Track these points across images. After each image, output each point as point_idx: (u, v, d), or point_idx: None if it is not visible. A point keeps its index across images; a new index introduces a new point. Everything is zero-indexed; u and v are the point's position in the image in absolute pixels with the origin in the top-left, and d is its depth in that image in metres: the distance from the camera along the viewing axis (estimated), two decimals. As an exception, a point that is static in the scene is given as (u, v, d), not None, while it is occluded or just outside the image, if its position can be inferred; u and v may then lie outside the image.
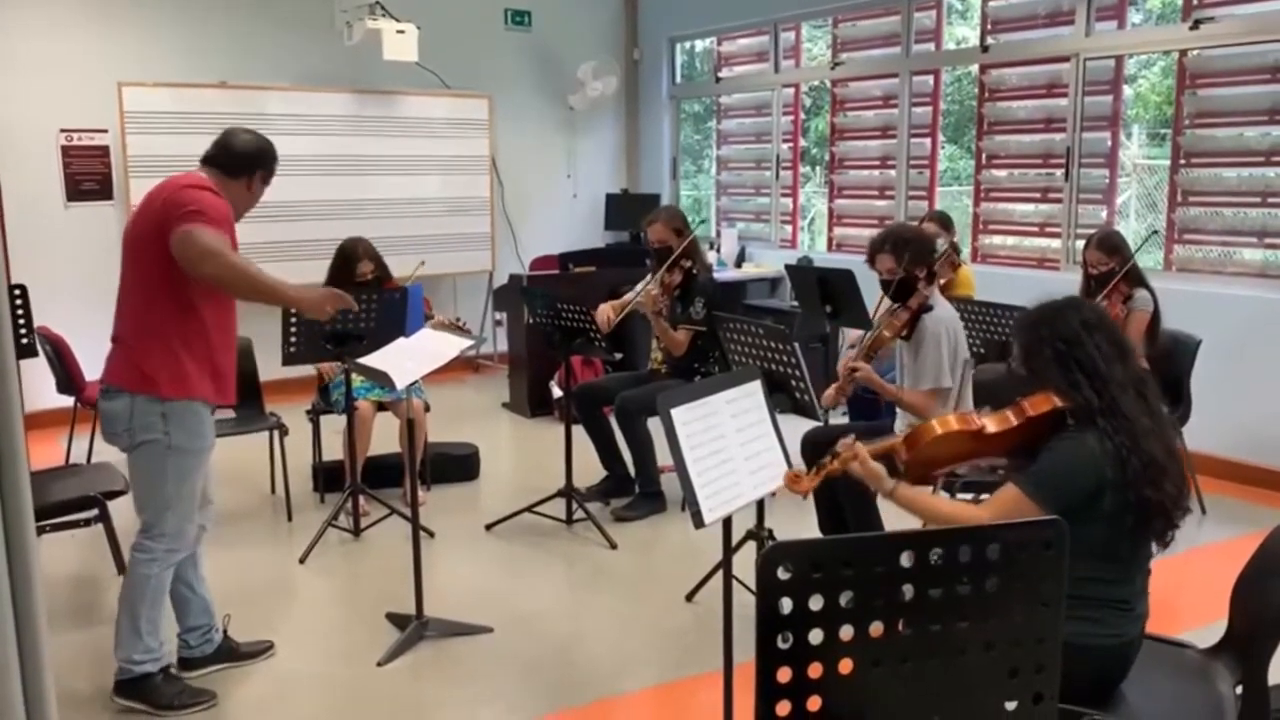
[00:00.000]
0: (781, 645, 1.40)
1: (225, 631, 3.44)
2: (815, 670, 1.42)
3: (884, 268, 3.80)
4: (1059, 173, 6.12)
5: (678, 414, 2.55)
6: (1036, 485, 2.18)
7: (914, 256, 3.75)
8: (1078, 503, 2.13)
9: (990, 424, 2.31)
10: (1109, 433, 2.18)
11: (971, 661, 1.50)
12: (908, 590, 1.44)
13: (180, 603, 3.29)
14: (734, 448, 2.68)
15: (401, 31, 6.93)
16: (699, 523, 2.45)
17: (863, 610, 1.44)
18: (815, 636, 1.41)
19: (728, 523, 2.70)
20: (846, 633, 1.43)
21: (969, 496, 3.56)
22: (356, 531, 4.60)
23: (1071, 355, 2.25)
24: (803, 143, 8.23)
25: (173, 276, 2.93)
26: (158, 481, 3.02)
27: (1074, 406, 2.24)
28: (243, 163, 3.15)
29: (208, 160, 3.15)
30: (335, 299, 3.32)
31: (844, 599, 1.42)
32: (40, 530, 3.71)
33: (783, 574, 1.39)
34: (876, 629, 1.45)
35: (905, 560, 1.43)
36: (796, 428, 3.69)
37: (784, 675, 1.41)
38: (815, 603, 1.41)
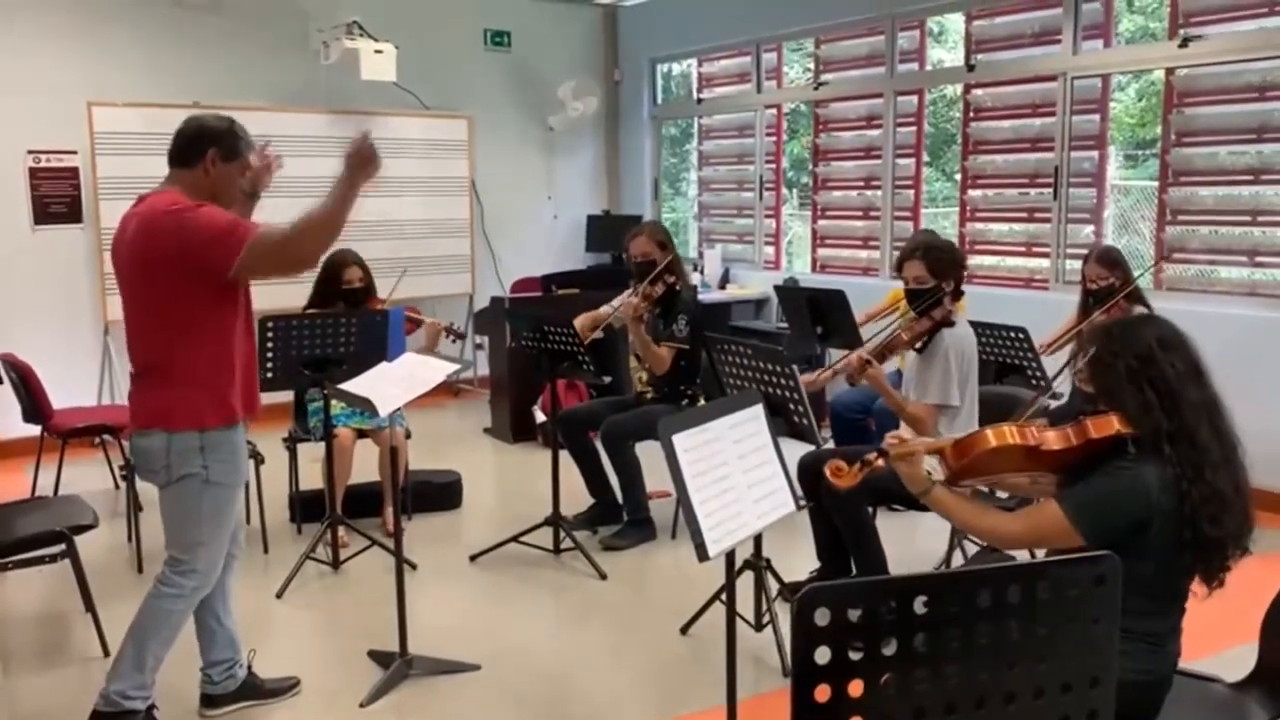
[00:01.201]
0: (819, 698, 1.27)
1: (250, 667, 3.29)
2: (855, 724, 1.30)
3: (912, 275, 3.73)
4: (1047, 192, 6.08)
5: (679, 440, 2.43)
6: (1079, 510, 2.07)
7: (944, 268, 3.68)
8: (1120, 534, 2.01)
9: (1050, 440, 2.18)
10: (1174, 460, 2.05)
11: (1022, 709, 1.38)
12: (954, 634, 1.32)
13: (206, 635, 3.17)
14: (737, 475, 2.57)
15: (380, 51, 6.83)
16: (703, 556, 2.33)
17: (906, 656, 1.32)
18: (855, 688, 1.29)
19: (728, 553, 2.58)
20: (889, 683, 1.31)
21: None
22: (336, 564, 4.44)
23: (1145, 374, 2.12)
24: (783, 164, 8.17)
25: (192, 307, 2.85)
26: (193, 517, 2.93)
27: (1142, 430, 2.10)
28: (190, 145, 2.94)
29: (170, 158, 2.99)
30: (362, 152, 2.99)
31: (887, 647, 1.30)
32: (3, 567, 3.54)
33: (820, 619, 1.26)
34: (920, 676, 1.33)
35: (953, 602, 1.31)
36: (791, 453, 3.58)
37: (822, 731, 1.29)
38: (855, 650, 1.29)
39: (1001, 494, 3.87)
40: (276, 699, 3.30)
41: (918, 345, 3.76)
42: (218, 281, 2.82)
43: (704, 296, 6.60)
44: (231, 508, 3.02)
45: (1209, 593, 2.16)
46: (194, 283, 2.82)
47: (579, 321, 4.57)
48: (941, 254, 3.77)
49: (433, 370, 3.33)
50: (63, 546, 3.58)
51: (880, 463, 2.27)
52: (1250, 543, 2.13)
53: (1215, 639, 3.04)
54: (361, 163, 2.97)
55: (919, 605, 1.32)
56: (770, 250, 8.08)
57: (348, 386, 3.35)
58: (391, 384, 3.29)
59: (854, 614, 1.29)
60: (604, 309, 4.95)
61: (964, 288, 6.06)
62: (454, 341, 5.13)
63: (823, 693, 1.28)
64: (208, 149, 2.94)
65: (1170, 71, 5.50)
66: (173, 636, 2.99)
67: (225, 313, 2.93)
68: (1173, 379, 2.11)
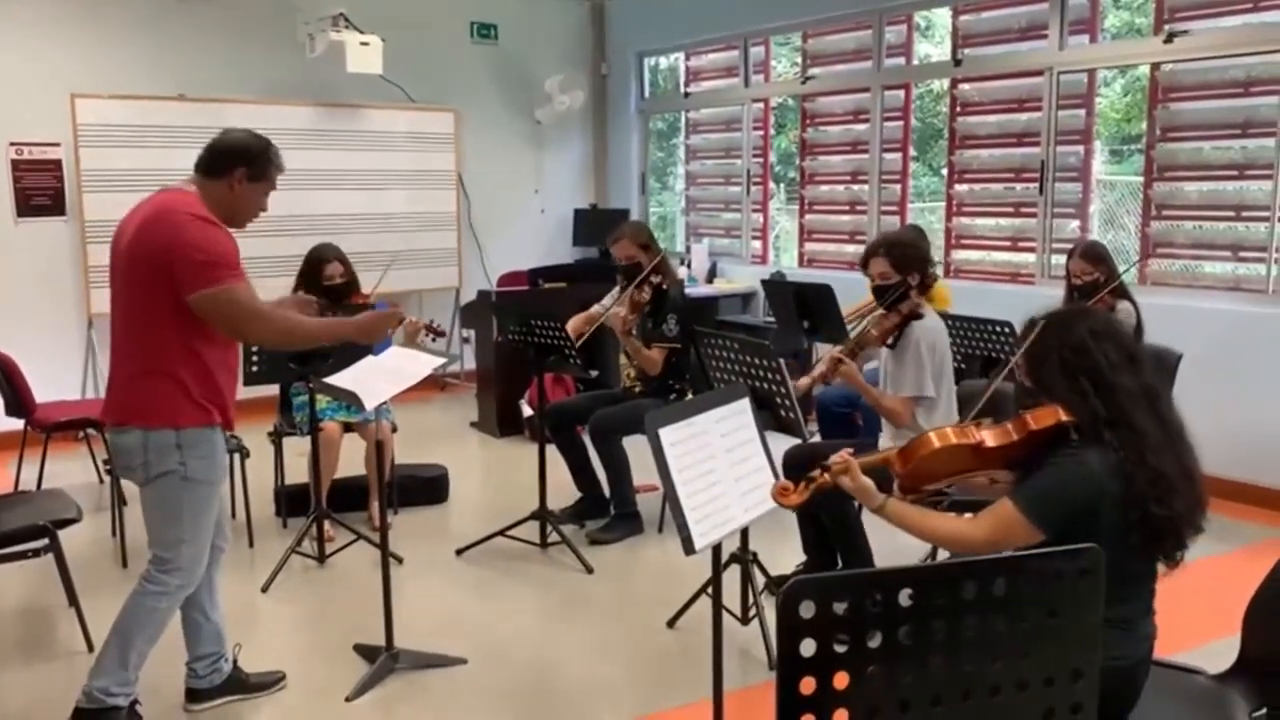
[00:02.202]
0: (804, 690, 1.28)
1: (235, 661, 3.28)
2: (840, 718, 1.30)
3: (877, 272, 3.75)
4: (1033, 187, 6.10)
5: (666, 434, 2.43)
6: (1029, 503, 2.10)
7: (908, 262, 3.70)
8: (1074, 522, 2.04)
9: (989, 437, 2.21)
10: (1115, 445, 2.09)
11: (1006, 702, 1.38)
12: (940, 627, 1.33)
13: (192, 629, 3.16)
14: (723, 469, 2.57)
15: (366, 44, 6.80)
16: (690, 549, 2.33)
17: (891, 649, 1.32)
18: (840, 680, 1.29)
19: (715, 546, 2.58)
20: (874, 675, 1.31)
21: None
22: (321, 558, 4.42)
23: (1079, 364, 2.16)
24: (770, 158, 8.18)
25: (177, 311, 2.82)
26: (173, 514, 2.91)
27: (1080, 418, 2.14)
28: (221, 160, 2.95)
29: (196, 164, 3.00)
30: (387, 317, 3.24)
31: (872, 640, 1.31)
32: (-13, 561, 3.52)
33: (805, 612, 1.27)
34: (905, 669, 1.33)
35: (937, 596, 1.32)
36: (777, 446, 3.58)
37: (807, 723, 1.29)
38: (840, 643, 1.30)
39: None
40: (262, 693, 3.28)
41: (889, 341, 3.77)
42: (171, 283, 2.80)
43: (691, 290, 6.59)
44: (213, 504, 3.00)
45: (1168, 571, 2.18)
46: (174, 288, 2.80)
47: (571, 325, 4.56)
48: (905, 249, 3.79)
49: (419, 364, 3.32)
50: (46, 541, 3.56)
51: (826, 478, 2.27)
52: (1204, 521, 2.16)
53: (1197, 631, 3.06)
54: (374, 330, 3.20)
55: (904, 598, 1.33)
56: (757, 244, 8.08)
57: (334, 380, 3.33)
58: (378, 378, 3.28)
59: (839, 607, 1.29)
60: (595, 309, 4.94)
61: (950, 281, 6.11)
62: (434, 340, 5.08)
63: (808, 685, 1.28)
64: (237, 167, 2.94)
65: (1156, 67, 5.52)
66: (157, 634, 2.97)
67: (204, 324, 2.89)
68: (1105, 368, 2.15)
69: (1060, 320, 2.26)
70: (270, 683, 3.33)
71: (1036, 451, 2.19)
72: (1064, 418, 2.17)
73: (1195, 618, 3.20)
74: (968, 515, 2.27)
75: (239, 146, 2.97)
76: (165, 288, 2.80)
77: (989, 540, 2.12)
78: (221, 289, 2.79)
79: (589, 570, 4.31)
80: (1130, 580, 2.15)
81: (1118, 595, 2.09)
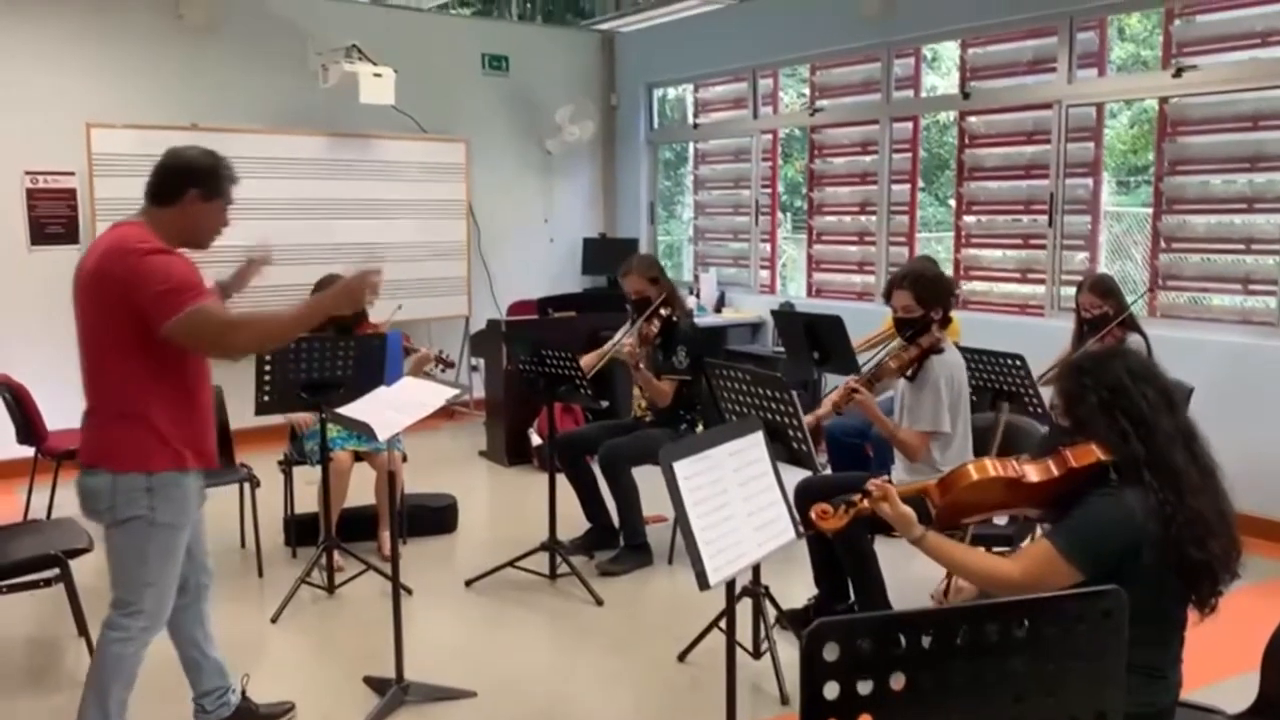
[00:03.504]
0: (828, 733, 1.27)
1: (244, 693, 3.25)
2: (864, 760, 1.30)
3: (900, 304, 3.75)
4: (1042, 219, 6.11)
5: (680, 468, 2.43)
6: (1069, 543, 2.07)
7: (932, 296, 3.70)
8: (1113, 562, 2.02)
9: (1031, 473, 2.19)
10: (1154, 487, 2.07)
11: (1029, 745, 1.38)
12: (963, 668, 1.32)
13: (192, 668, 3.12)
14: (737, 503, 2.57)
15: (378, 75, 6.86)
16: (704, 585, 2.33)
17: (914, 690, 1.31)
18: (864, 722, 1.29)
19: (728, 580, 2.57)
20: (897, 717, 1.30)
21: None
22: (331, 588, 4.41)
23: (1117, 404, 2.15)
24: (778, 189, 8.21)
25: (145, 346, 2.72)
26: (139, 559, 2.82)
27: (1119, 459, 2.13)
28: (170, 184, 2.82)
29: (146, 191, 2.86)
30: (360, 281, 2.96)
31: (895, 681, 1.30)
32: (-2, 590, 3.52)
33: (829, 654, 1.26)
34: (928, 710, 1.32)
35: (960, 637, 1.31)
36: (789, 478, 3.58)
37: (831, 766, 1.29)
38: (863, 683, 1.29)
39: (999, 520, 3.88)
40: None
41: (908, 373, 3.77)
42: (152, 334, 2.71)
43: (700, 320, 6.60)
44: (180, 547, 2.89)
45: (1201, 618, 2.16)
46: (140, 327, 2.71)
47: (584, 361, 4.57)
48: (929, 283, 3.79)
49: (432, 395, 3.32)
50: (57, 570, 3.56)
51: (865, 504, 2.27)
52: (1240, 567, 2.14)
53: (1215, 668, 3.04)
54: (351, 294, 2.95)
55: (927, 640, 1.32)
56: (766, 274, 8.10)
57: (346, 410, 3.34)
58: (391, 408, 3.29)
59: (863, 648, 1.28)
60: (606, 346, 4.96)
61: (958, 314, 6.12)
62: (443, 370, 5.09)
63: (832, 727, 1.27)
64: (188, 188, 2.82)
65: (1164, 100, 5.55)
66: (132, 678, 2.88)
67: (177, 357, 2.80)
68: (1145, 409, 2.14)
69: (1097, 359, 2.26)
70: (279, 713, 3.31)
71: (1073, 490, 2.17)
72: (1103, 456, 2.15)
73: (1210, 654, 3.17)
74: (1003, 551, 2.26)
75: (187, 167, 2.84)
76: (130, 326, 2.71)
77: (1025, 579, 2.09)
78: (190, 311, 2.69)
79: (599, 602, 4.29)
80: (1164, 625, 2.14)
81: (1151, 640, 2.08)
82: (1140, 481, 2.10)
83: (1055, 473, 2.18)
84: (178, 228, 2.84)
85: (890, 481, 2.31)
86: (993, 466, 2.23)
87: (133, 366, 2.76)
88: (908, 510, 2.24)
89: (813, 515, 2.30)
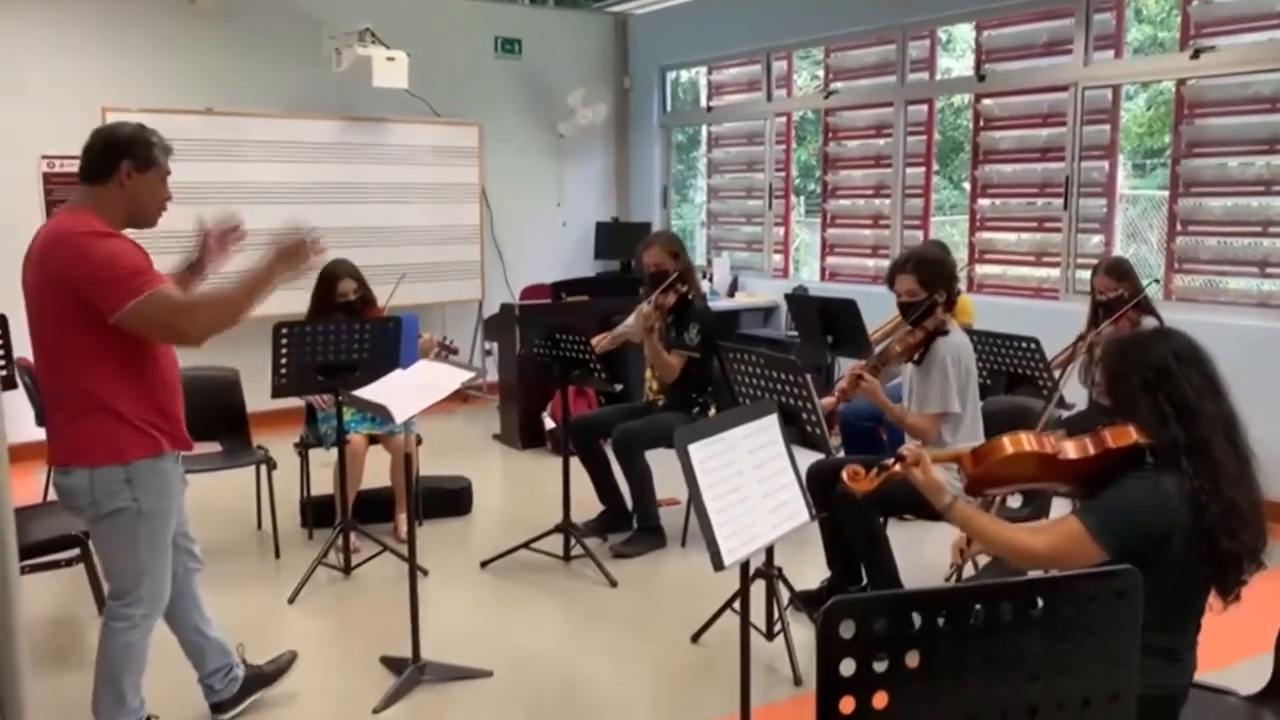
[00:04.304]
0: (844, 709, 1.28)
1: (245, 661, 3.29)
2: (879, 736, 1.31)
3: (904, 289, 3.74)
4: (1057, 202, 6.08)
5: (696, 450, 2.44)
6: (1100, 524, 2.06)
7: (935, 279, 3.69)
8: (1141, 547, 2.00)
9: (1068, 449, 2.19)
10: (1190, 474, 2.05)
11: (1043, 723, 1.39)
12: (977, 647, 1.34)
13: (195, 652, 3.15)
14: (751, 485, 2.58)
15: (392, 59, 6.85)
16: (719, 565, 2.34)
17: (929, 668, 1.33)
18: (880, 700, 1.30)
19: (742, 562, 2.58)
20: (913, 694, 1.32)
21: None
22: (347, 569, 4.45)
23: (1160, 386, 2.12)
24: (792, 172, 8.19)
25: (99, 332, 2.65)
26: (129, 550, 2.81)
27: (1157, 443, 2.11)
28: (100, 160, 2.73)
29: (80, 174, 2.78)
30: (296, 240, 2.86)
31: (911, 658, 1.31)
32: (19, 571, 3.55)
33: (845, 631, 1.27)
34: (943, 688, 1.34)
35: (975, 615, 1.32)
36: (802, 460, 3.59)
37: (846, 742, 1.30)
38: (879, 662, 1.30)
39: (1013, 503, 3.89)
40: (281, 677, 3.33)
41: (916, 357, 3.77)
42: (103, 321, 2.63)
43: (713, 304, 6.61)
44: (169, 532, 2.88)
45: (1224, 607, 2.15)
46: (90, 316, 2.64)
47: (596, 342, 4.58)
48: (931, 266, 3.78)
49: (448, 378, 3.34)
50: (76, 551, 3.60)
51: (898, 468, 2.27)
52: (1265, 557, 2.13)
53: (1229, 651, 3.04)
54: (289, 255, 2.85)
55: (942, 618, 1.33)
56: (779, 258, 8.09)
57: (363, 393, 3.36)
58: (407, 391, 3.31)
59: (878, 626, 1.30)
60: (619, 328, 4.97)
61: (974, 297, 6.10)
62: (446, 358, 5.08)
63: (847, 704, 1.29)
64: (119, 161, 2.73)
65: (1182, 82, 5.51)
66: (142, 663, 2.90)
67: (131, 343, 2.72)
68: (1189, 393, 2.11)
69: (1142, 340, 2.24)
70: (286, 664, 3.38)
71: (1107, 470, 2.16)
72: (1140, 439, 2.13)
73: (1225, 636, 3.17)
74: (1029, 525, 2.26)
75: (114, 140, 2.76)
76: (82, 316, 2.64)
77: (1052, 554, 2.09)
78: (143, 298, 2.61)
79: (613, 584, 4.32)
80: (1185, 610, 2.14)
81: (1170, 624, 2.08)
82: (1177, 467, 2.07)
83: (1092, 451, 2.17)
84: (119, 205, 2.75)
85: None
86: (1029, 441, 2.22)
87: (89, 356, 2.69)
88: (938, 477, 2.25)
89: (844, 475, 2.31)
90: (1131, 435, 2.13)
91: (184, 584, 3.08)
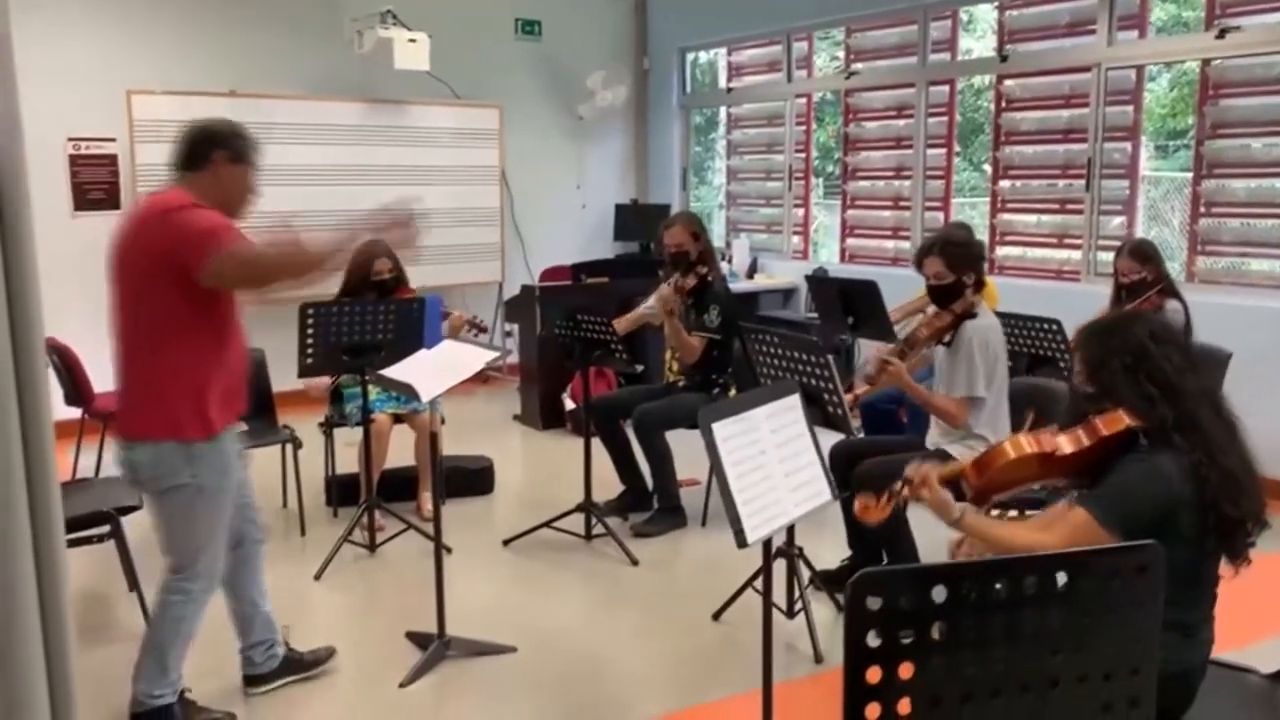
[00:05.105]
0: (870, 679, 1.32)
1: (288, 643, 3.36)
2: (904, 707, 1.34)
3: (931, 271, 3.73)
4: (1079, 184, 6.06)
5: (719, 429, 2.48)
6: (1106, 511, 2.09)
7: (963, 261, 3.69)
8: (1151, 527, 2.03)
9: (1064, 444, 2.21)
10: (1185, 449, 2.09)
11: (1064, 695, 1.42)
12: (1000, 620, 1.36)
13: (244, 621, 3.23)
14: (774, 464, 2.61)
15: (413, 40, 6.88)
16: (742, 543, 2.38)
17: (953, 641, 1.36)
18: (905, 671, 1.33)
19: (764, 541, 2.61)
20: (937, 666, 1.35)
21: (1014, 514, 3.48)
22: (372, 547, 4.51)
23: (1141, 368, 2.16)
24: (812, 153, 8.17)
25: (180, 315, 2.79)
26: (189, 525, 2.91)
27: (1148, 424, 2.14)
28: (198, 148, 2.91)
29: (175, 162, 2.95)
30: (401, 217, 3.08)
31: (936, 631, 1.34)
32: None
33: (872, 604, 1.31)
34: (966, 660, 1.37)
35: (1000, 589, 1.35)
36: (824, 441, 3.61)
37: (872, 712, 1.33)
38: (904, 634, 1.34)
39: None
40: (318, 668, 3.38)
41: (945, 339, 3.76)
42: (193, 283, 2.75)
43: (732, 286, 6.62)
44: (227, 507, 2.97)
45: (1236, 572, 2.18)
46: (176, 287, 2.76)
47: (617, 324, 4.61)
48: (959, 248, 3.75)
49: (473, 357, 3.38)
50: (109, 527, 3.67)
51: (906, 492, 2.31)
52: (1268, 518, 2.17)
53: (1248, 630, 3.06)
54: (395, 226, 3.05)
55: (966, 592, 1.36)
56: (798, 240, 8.08)
57: (389, 372, 3.40)
58: (432, 370, 3.35)
59: (904, 600, 1.33)
60: (639, 309, 5.00)
61: (995, 279, 6.08)
62: (476, 335, 5.15)
63: (874, 674, 1.32)
64: (213, 151, 2.91)
65: (1206, 62, 5.47)
66: (190, 637, 2.99)
67: (209, 321, 2.85)
68: (1170, 372, 2.15)
69: (1117, 324, 2.27)
70: (325, 657, 3.43)
71: (1104, 457, 2.19)
72: (1131, 422, 2.16)
73: (1245, 616, 3.18)
74: (1035, 517, 2.28)
75: (210, 132, 2.93)
76: (168, 289, 2.76)
77: (1063, 549, 2.12)
78: (231, 248, 2.75)
79: (634, 562, 4.36)
80: (1199, 584, 2.16)
81: (1184, 599, 2.10)
82: (1170, 445, 2.11)
83: (1086, 442, 2.20)
84: (211, 192, 2.89)
85: (925, 445, 2.34)
86: (1027, 443, 2.25)
87: (168, 337, 2.81)
88: (946, 496, 2.28)
89: (856, 510, 2.35)
90: (1123, 420, 2.17)
91: (249, 554, 3.17)
